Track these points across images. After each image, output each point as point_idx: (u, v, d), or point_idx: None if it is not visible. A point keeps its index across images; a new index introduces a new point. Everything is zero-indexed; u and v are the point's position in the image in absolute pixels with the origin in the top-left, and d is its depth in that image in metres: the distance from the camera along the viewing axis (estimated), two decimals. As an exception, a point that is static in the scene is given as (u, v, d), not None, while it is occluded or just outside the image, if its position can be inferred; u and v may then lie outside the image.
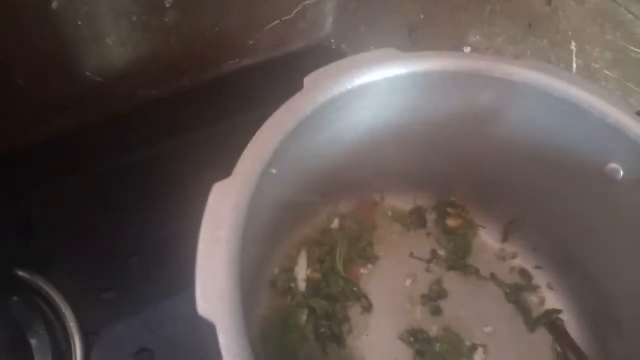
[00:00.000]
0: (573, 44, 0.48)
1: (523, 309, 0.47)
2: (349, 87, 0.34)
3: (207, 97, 0.62)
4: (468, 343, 0.45)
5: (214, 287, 0.24)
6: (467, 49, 0.55)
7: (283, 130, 0.31)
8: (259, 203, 0.30)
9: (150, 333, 0.42)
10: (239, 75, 0.65)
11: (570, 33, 0.48)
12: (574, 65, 0.48)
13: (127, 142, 0.55)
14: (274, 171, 0.32)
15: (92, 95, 0.57)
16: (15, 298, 0.44)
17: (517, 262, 0.49)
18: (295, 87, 0.34)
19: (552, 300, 0.47)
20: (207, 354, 0.25)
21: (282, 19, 0.65)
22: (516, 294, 0.47)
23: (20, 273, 0.45)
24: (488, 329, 0.46)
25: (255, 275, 0.37)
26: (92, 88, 0.56)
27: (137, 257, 0.47)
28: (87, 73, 0.55)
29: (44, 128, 0.55)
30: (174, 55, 0.59)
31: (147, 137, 0.56)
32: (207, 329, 0.25)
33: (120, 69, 0.57)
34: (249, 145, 0.30)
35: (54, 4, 0.48)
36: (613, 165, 0.36)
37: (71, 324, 0.43)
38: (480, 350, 0.45)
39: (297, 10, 0.66)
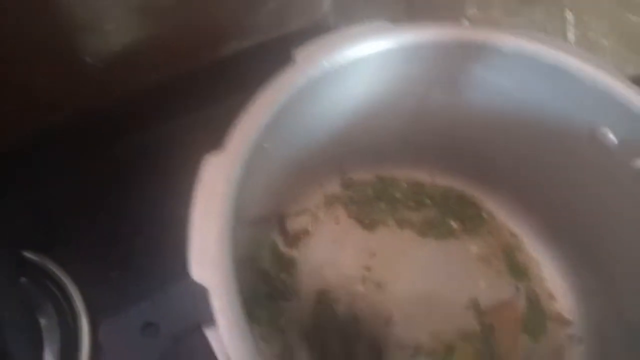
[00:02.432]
0: (569, 13, 0.48)
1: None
2: (341, 61, 0.34)
3: (206, 79, 0.62)
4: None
5: (207, 255, 0.25)
6: (465, 22, 0.55)
7: (274, 104, 0.32)
8: (251, 177, 0.30)
9: (155, 308, 0.43)
10: (238, 57, 0.65)
11: (566, 2, 0.47)
12: (571, 35, 0.48)
13: (128, 126, 0.56)
14: (266, 145, 0.32)
15: (93, 81, 0.57)
16: (23, 279, 0.45)
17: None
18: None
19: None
20: (203, 319, 0.26)
21: (280, -1, 0.65)
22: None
23: (28, 255, 0.46)
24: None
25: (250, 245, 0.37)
26: (92, 74, 0.57)
27: (141, 236, 0.48)
28: (87, 59, 0.56)
29: (45, 114, 0.56)
30: (172, 39, 0.60)
31: (148, 120, 0.56)
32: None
33: (119, 54, 0.57)
34: (239, 118, 0.30)
35: (53, -10, 0.48)
36: (603, 130, 0.36)
37: (78, 303, 0.44)
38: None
39: (295, -10, 0.65)
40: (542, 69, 0.36)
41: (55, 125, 0.55)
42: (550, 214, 0.46)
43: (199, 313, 0.25)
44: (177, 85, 0.61)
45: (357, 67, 0.36)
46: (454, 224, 0.49)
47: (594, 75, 0.34)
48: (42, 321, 0.44)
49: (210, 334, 0.24)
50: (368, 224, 0.49)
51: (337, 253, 0.47)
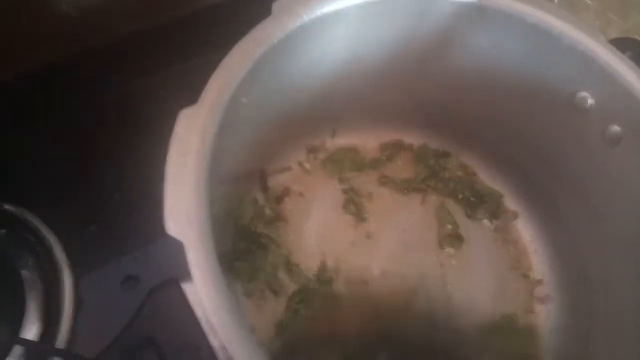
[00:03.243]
0: (556, -28, 0.47)
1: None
2: (319, 14, 0.34)
3: (183, 32, 0.60)
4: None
5: (182, 209, 0.25)
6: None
7: (251, 58, 0.31)
8: (229, 132, 0.30)
9: (135, 262, 0.44)
10: (216, 8, 0.63)
11: (553, -40, 0.46)
12: (557, -6, 0.47)
13: (105, 78, 0.54)
14: (244, 100, 0.32)
15: (69, 31, 0.55)
16: (2, 231, 0.45)
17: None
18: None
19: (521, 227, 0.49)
20: (181, 273, 0.26)
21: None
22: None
23: (7, 207, 0.46)
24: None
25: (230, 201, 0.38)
26: (68, 23, 0.55)
27: (120, 191, 0.48)
28: (64, 7, 0.54)
29: (22, 64, 0.54)
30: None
31: (125, 72, 0.55)
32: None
33: (96, 3, 0.55)
34: (215, 72, 0.30)
35: None
36: (583, 94, 0.36)
37: (59, 255, 0.44)
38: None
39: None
40: (524, 29, 0.35)
41: (26, 78, 0.54)
42: (527, 177, 0.46)
43: (177, 267, 0.26)
44: (153, 38, 0.59)
45: (336, 20, 0.35)
46: (432, 183, 0.50)
47: (576, 37, 0.34)
48: (24, 273, 0.44)
49: (187, 288, 0.24)
50: (349, 182, 0.49)
51: (318, 211, 0.48)
